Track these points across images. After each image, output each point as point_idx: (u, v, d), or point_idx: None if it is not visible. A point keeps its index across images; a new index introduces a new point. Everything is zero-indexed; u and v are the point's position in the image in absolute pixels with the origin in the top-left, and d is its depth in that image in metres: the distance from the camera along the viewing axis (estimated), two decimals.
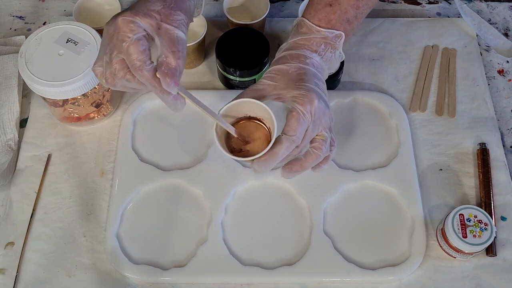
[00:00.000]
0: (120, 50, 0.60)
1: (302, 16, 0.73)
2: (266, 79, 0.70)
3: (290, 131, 0.65)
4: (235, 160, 0.68)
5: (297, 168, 0.68)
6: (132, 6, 0.63)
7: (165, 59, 0.60)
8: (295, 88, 0.67)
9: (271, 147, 0.65)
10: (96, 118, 0.82)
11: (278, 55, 0.73)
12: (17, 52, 0.85)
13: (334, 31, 0.71)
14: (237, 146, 0.69)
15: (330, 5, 0.72)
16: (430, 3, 0.98)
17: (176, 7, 0.64)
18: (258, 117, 0.70)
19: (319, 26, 0.71)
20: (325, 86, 0.71)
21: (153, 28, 0.62)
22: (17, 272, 0.71)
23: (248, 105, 0.68)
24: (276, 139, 0.65)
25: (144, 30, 0.61)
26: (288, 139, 0.64)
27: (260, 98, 0.68)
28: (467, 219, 0.70)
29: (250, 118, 0.71)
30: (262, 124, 0.70)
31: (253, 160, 0.66)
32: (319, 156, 0.68)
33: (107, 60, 0.62)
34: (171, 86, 0.60)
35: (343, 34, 0.72)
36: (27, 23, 0.95)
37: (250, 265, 0.72)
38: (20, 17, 0.96)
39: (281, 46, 0.74)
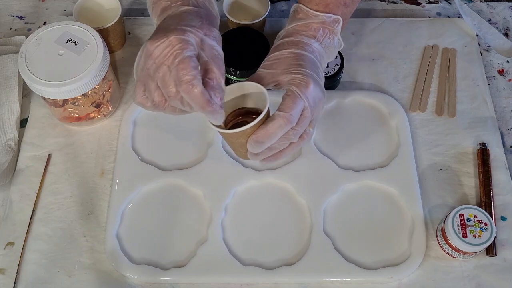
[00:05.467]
0: (173, 70, 0.59)
1: (299, 2, 0.73)
2: (264, 68, 0.69)
3: (284, 108, 0.63)
4: (222, 134, 0.66)
5: (262, 138, 0.64)
6: (171, 25, 0.62)
7: (213, 75, 0.61)
8: (292, 73, 0.66)
9: (264, 124, 0.63)
10: (96, 118, 0.82)
11: (276, 42, 0.73)
12: (17, 52, 0.85)
13: (332, 15, 0.71)
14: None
15: None
16: (430, 3, 0.98)
17: (211, 23, 0.65)
18: (256, 107, 0.69)
19: (317, 11, 0.71)
20: (323, 74, 0.70)
21: (198, 45, 0.62)
22: (17, 272, 0.71)
23: (243, 88, 0.68)
24: (270, 117, 0.64)
25: (195, 48, 0.61)
26: (281, 116, 0.63)
27: None
28: (467, 219, 0.70)
29: (248, 113, 0.70)
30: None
31: (239, 132, 0.64)
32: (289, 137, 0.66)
33: (158, 84, 0.61)
34: (218, 102, 0.61)
35: (340, 18, 0.71)
36: (27, 23, 0.95)
37: (250, 265, 0.72)
38: (20, 17, 0.96)
39: (278, 34, 0.74)
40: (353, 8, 0.74)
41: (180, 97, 0.61)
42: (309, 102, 0.65)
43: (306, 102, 0.65)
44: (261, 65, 0.70)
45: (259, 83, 0.67)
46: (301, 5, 0.72)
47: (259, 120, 0.63)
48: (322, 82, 0.69)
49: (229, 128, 0.69)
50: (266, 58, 0.71)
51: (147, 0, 0.71)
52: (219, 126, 0.66)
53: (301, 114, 0.65)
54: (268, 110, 0.65)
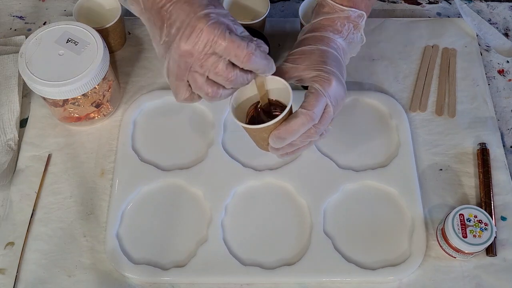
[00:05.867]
0: (226, 54, 0.58)
1: None
2: (288, 62, 0.69)
3: (307, 106, 0.64)
4: (246, 128, 0.67)
5: (284, 134, 0.65)
6: (188, 16, 0.59)
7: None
8: (315, 70, 0.67)
9: (287, 121, 0.64)
10: (96, 118, 0.82)
11: (300, 36, 0.73)
12: (17, 52, 0.85)
13: (356, 10, 0.72)
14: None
15: None
16: (430, 3, 0.98)
17: None
18: (276, 99, 0.69)
19: (341, 5, 0.71)
20: (345, 72, 0.70)
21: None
22: (17, 272, 0.71)
23: (267, 82, 0.67)
24: (292, 114, 0.64)
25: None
26: (304, 114, 0.63)
27: None
28: (467, 219, 0.70)
29: (270, 106, 0.70)
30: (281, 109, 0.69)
31: (262, 128, 0.64)
32: (311, 135, 0.67)
33: (208, 77, 0.60)
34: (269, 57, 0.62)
35: (365, 14, 0.72)
36: (27, 23, 0.95)
37: (250, 265, 0.72)
38: (20, 17, 0.96)
39: (303, 28, 0.74)
40: (374, 0, 0.74)
41: (240, 76, 0.60)
42: (331, 100, 0.65)
43: (329, 100, 0.65)
44: (285, 58, 0.70)
45: (281, 77, 0.67)
46: None
47: (282, 117, 0.64)
48: (344, 79, 0.69)
49: (250, 120, 0.69)
50: (291, 53, 0.71)
51: None
52: (241, 121, 0.66)
53: (323, 112, 0.65)
54: (291, 105, 0.65)
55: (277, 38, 0.91)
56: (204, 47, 0.58)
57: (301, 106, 0.64)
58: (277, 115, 0.65)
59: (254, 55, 0.59)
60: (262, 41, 0.62)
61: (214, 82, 0.61)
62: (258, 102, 0.70)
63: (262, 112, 0.70)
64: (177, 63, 0.60)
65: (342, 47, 0.71)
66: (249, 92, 0.68)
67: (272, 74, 0.67)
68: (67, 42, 0.76)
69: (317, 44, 0.70)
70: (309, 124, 0.64)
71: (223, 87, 0.62)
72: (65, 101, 0.77)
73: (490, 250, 0.72)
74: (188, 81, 0.62)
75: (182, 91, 0.63)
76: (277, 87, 0.67)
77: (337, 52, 0.70)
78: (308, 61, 0.68)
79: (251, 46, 0.59)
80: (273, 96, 0.69)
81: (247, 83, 0.63)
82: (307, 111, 0.64)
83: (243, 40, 0.59)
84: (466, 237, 0.69)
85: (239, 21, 0.84)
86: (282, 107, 0.69)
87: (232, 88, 0.63)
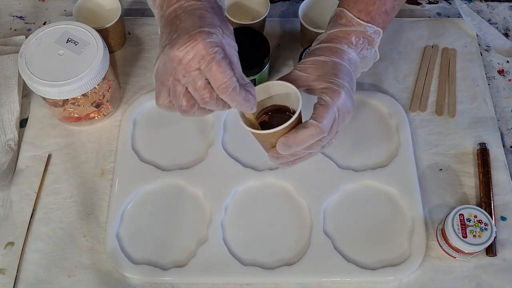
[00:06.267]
0: (208, 74, 0.59)
1: (341, 6, 0.72)
2: (299, 70, 0.69)
3: (317, 118, 0.64)
4: (253, 133, 0.67)
5: (291, 142, 0.65)
6: (192, 27, 0.59)
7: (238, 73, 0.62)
8: (326, 81, 0.66)
9: (296, 130, 0.64)
10: (96, 118, 0.82)
11: (314, 45, 0.72)
12: (17, 52, 0.85)
13: (374, 26, 0.71)
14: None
15: None
16: (430, 3, 0.98)
17: (224, 19, 0.64)
18: (286, 105, 0.69)
19: (359, 19, 0.71)
20: (355, 87, 0.70)
21: (221, 44, 0.61)
22: (17, 272, 0.71)
23: (276, 88, 0.68)
24: (302, 123, 0.64)
25: (222, 49, 0.60)
26: (315, 126, 0.63)
27: None
28: (467, 219, 0.70)
29: (278, 111, 0.70)
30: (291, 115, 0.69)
31: (270, 133, 0.64)
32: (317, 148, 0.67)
33: (187, 89, 0.61)
34: (253, 95, 0.62)
35: (381, 31, 0.71)
36: (27, 23, 0.95)
37: (250, 265, 0.72)
38: (20, 17, 0.96)
39: (318, 37, 0.73)
40: (393, 16, 0.74)
41: (215, 100, 0.61)
42: (339, 114, 0.65)
43: (337, 114, 0.65)
44: (296, 66, 0.70)
45: (290, 83, 0.67)
46: (344, 10, 0.71)
47: (291, 123, 0.64)
48: (353, 93, 0.69)
49: (260, 124, 0.69)
50: (302, 61, 0.70)
51: None
52: (250, 126, 0.66)
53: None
54: (300, 111, 0.65)
55: (277, 38, 0.91)
56: (193, 59, 0.58)
57: (311, 117, 0.64)
58: (287, 120, 0.64)
59: (232, 89, 0.59)
60: (252, 85, 0.62)
61: (192, 97, 0.61)
62: (269, 106, 0.70)
63: (273, 116, 0.70)
64: (164, 66, 0.60)
65: (355, 61, 0.71)
66: (259, 97, 0.68)
67: (282, 80, 0.68)
68: (67, 42, 0.76)
69: (330, 55, 0.69)
70: (318, 136, 0.64)
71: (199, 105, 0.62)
72: (65, 101, 0.77)
73: (490, 250, 0.72)
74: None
75: (163, 96, 0.63)
76: (286, 92, 0.67)
77: (349, 66, 0.69)
78: (319, 71, 0.68)
79: (233, 80, 0.59)
80: (282, 102, 0.69)
81: (221, 109, 0.63)
82: (318, 123, 0.63)
83: (230, 70, 0.59)
84: (466, 237, 0.69)
85: (239, 21, 0.85)
86: (291, 112, 0.69)
87: (206, 109, 0.63)
